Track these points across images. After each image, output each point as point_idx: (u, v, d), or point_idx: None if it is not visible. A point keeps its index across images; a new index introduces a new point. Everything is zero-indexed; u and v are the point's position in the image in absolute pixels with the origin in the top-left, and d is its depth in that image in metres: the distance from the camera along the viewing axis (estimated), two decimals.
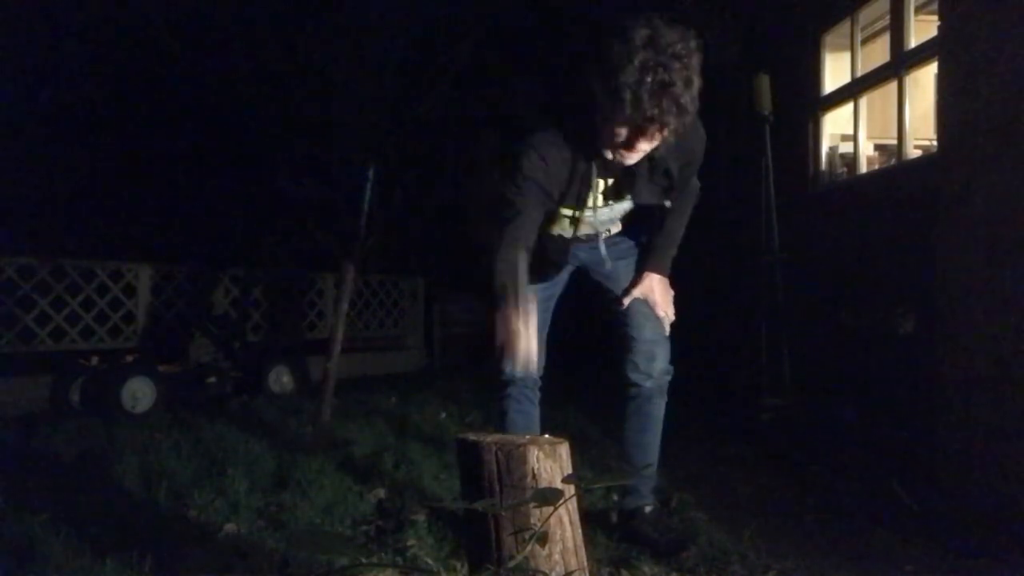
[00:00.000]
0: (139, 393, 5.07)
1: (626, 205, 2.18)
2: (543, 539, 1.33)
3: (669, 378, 2.42)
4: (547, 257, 2.24)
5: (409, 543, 2.33)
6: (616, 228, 2.32)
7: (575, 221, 2.16)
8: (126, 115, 8.23)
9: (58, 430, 3.98)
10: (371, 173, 4.19)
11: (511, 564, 1.32)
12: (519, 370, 1.89)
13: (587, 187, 2.05)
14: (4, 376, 5.12)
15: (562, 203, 2.06)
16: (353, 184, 4.36)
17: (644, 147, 1.88)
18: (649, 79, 1.70)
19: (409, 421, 4.40)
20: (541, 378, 2.37)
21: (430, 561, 2.16)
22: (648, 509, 2.46)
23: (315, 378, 5.72)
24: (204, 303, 6.43)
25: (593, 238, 2.29)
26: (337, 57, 4.89)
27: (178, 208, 8.55)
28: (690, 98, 1.75)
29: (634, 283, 2.30)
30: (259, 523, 2.53)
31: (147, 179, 8.48)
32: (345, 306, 4.39)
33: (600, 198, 2.12)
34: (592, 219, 2.17)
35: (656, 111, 1.74)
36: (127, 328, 6.00)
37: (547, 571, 1.35)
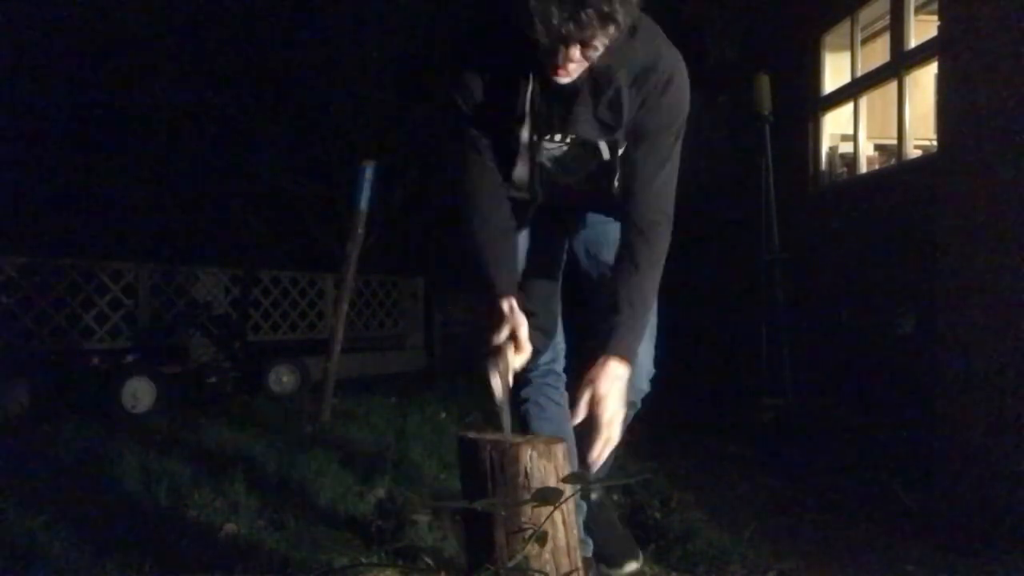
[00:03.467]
0: (139, 393, 5.07)
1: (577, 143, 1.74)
2: (542, 539, 1.33)
3: (647, 388, 1.99)
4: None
5: (409, 543, 2.33)
6: (580, 180, 1.82)
7: (529, 151, 1.73)
8: (127, 115, 8.23)
9: (58, 430, 3.98)
10: (370, 172, 4.19)
11: (511, 564, 1.32)
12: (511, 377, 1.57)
13: (524, 100, 1.64)
14: (3, 376, 5.12)
15: (508, 121, 1.68)
16: (353, 184, 4.36)
17: (573, 67, 1.52)
18: None
19: (409, 421, 4.39)
20: (566, 358, 1.97)
21: (430, 561, 2.16)
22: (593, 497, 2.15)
23: (315, 378, 5.72)
24: (204, 303, 6.43)
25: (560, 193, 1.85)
26: (338, 57, 4.89)
27: (178, 208, 8.56)
28: (618, 3, 1.40)
29: (589, 372, 1.57)
30: (259, 523, 2.52)
31: (147, 179, 8.48)
32: (345, 306, 4.40)
33: (555, 123, 1.70)
34: (547, 151, 1.76)
35: (572, 26, 1.40)
36: (127, 328, 6.00)
37: (543, 570, 1.35)
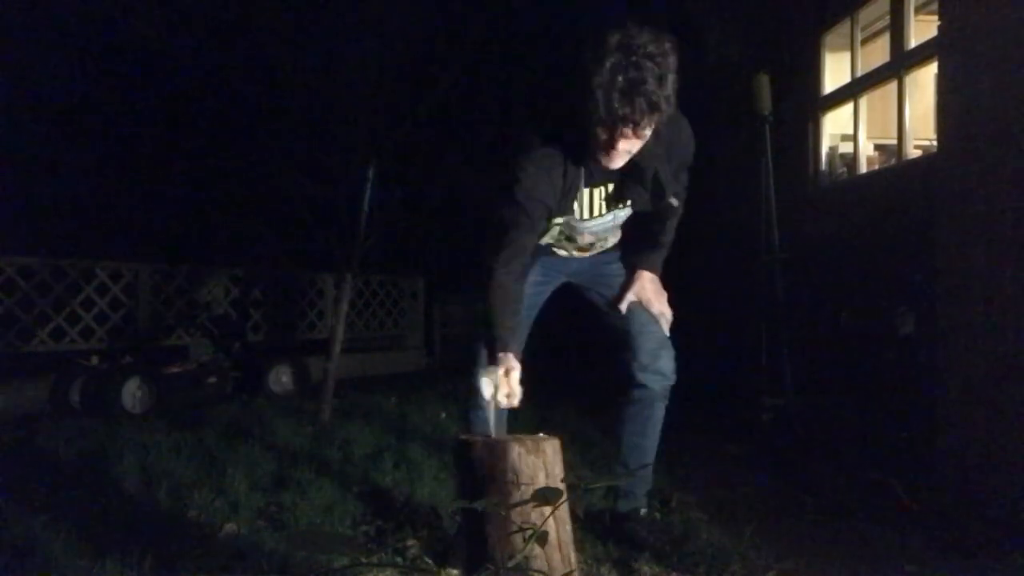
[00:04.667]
0: (139, 393, 5.07)
1: (625, 213, 2.20)
2: (542, 539, 1.33)
3: (675, 379, 2.42)
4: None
5: (409, 543, 2.33)
6: (614, 239, 2.34)
7: (571, 233, 2.20)
8: (126, 115, 8.23)
9: (58, 430, 3.98)
10: (371, 173, 4.19)
11: (510, 564, 1.32)
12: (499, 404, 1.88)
13: (577, 192, 2.08)
14: (4, 376, 5.11)
15: (558, 212, 2.09)
16: (353, 184, 4.36)
17: (624, 147, 1.91)
18: (620, 79, 1.76)
19: (409, 421, 4.39)
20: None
21: (430, 561, 2.16)
22: (643, 512, 2.45)
23: (315, 378, 5.72)
24: (204, 303, 6.43)
25: (590, 248, 2.32)
26: (338, 58, 4.89)
27: (178, 208, 8.56)
28: (663, 96, 1.80)
29: (627, 284, 2.33)
30: (259, 523, 2.53)
31: (147, 179, 8.48)
32: (345, 306, 4.40)
33: (603, 205, 2.15)
34: (591, 227, 2.19)
35: (628, 110, 1.78)
36: (127, 328, 6.00)
37: (532, 566, 1.35)
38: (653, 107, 1.80)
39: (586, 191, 2.10)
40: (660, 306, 2.32)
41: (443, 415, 4.70)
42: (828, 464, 3.42)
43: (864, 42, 4.65)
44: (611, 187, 2.12)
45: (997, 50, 2.65)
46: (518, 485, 1.39)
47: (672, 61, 1.81)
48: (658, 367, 2.34)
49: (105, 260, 6.02)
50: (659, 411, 2.41)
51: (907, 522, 2.65)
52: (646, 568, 2.19)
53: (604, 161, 1.97)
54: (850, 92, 4.59)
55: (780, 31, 5.32)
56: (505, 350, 1.95)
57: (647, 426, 2.40)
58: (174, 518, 2.55)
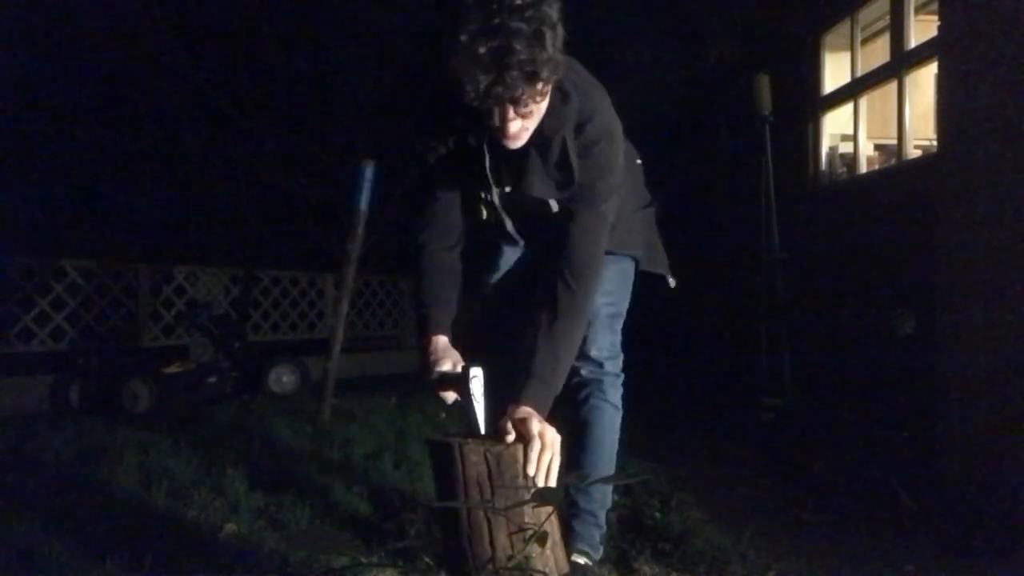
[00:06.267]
0: (139, 393, 5.07)
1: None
2: (543, 539, 1.33)
3: (616, 371, 2.02)
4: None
5: (409, 543, 2.33)
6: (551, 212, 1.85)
7: (494, 213, 1.85)
8: (126, 115, 8.23)
9: (58, 430, 3.97)
10: (370, 172, 4.19)
11: (511, 564, 1.33)
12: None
13: (482, 164, 1.70)
14: (4, 376, 5.12)
15: (468, 182, 1.76)
16: (353, 184, 4.36)
17: (515, 128, 1.53)
18: (482, 51, 1.37)
19: (409, 421, 4.39)
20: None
21: (430, 561, 2.16)
22: (583, 562, 1.97)
23: (315, 378, 5.72)
24: (204, 303, 6.43)
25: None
26: (337, 57, 4.90)
27: (178, 208, 8.56)
28: (541, 58, 1.39)
29: (502, 421, 1.53)
30: (259, 523, 2.52)
31: (147, 179, 8.48)
32: (345, 306, 4.39)
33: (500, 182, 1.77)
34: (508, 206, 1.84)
35: (499, 88, 1.41)
36: (127, 328, 6.00)
37: (540, 567, 1.36)
38: (531, 77, 1.41)
39: (496, 172, 1.72)
40: (537, 459, 1.44)
41: (443, 415, 4.70)
42: (828, 464, 3.42)
43: (864, 42, 4.65)
44: (514, 165, 1.72)
45: (997, 50, 2.65)
46: (528, 487, 1.39)
47: (548, 9, 1.41)
48: (585, 347, 1.90)
49: (105, 260, 6.02)
50: (599, 414, 1.99)
51: (907, 522, 2.65)
52: (646, 568, 2.19)
53: (506, 143, 1.58)
54: (850, 92, 4.59)
55: (780, 31, 5.32)
56: (436, 333, 1.69)
57: (587, 437, 1.98)
58: (174, 518, 2.55)
